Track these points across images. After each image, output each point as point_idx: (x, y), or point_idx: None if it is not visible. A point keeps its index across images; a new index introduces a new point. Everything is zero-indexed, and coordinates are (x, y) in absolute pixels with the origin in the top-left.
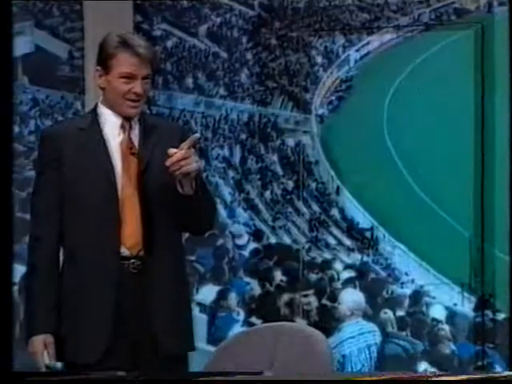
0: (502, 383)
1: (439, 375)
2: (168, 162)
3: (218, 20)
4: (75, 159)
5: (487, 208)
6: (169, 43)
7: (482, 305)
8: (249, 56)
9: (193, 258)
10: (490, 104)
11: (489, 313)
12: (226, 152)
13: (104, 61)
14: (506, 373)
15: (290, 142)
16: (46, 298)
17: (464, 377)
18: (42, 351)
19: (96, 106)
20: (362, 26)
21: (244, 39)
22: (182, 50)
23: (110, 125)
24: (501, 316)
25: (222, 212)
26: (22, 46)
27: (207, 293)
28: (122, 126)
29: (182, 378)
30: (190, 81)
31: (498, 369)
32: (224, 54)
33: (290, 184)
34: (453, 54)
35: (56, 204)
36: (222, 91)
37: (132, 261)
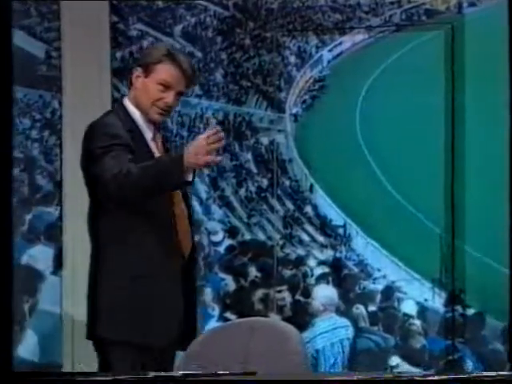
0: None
1: (426, 375)
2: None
3: (193, 20)
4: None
5: (458, 205)
6: (144, 43)
7: (453, 300)
8: (223, 56)
9: None
10: (460, 103)
11: (459, 308)
12: None
13: (147, 64)
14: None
15: (265, 140)
16: None
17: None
18: None
19: (122, 104)
20: (334, 27)
21: (219, 39)
22: None
23: (144, 128)
24: (471, 311)
25: (198, 209)
26: None
27: None
28: (154, 125)
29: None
30: None
31: (469, 363)
32: (199, 54)
33: (265, 182)
34: (424, 53)
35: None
36: (197, 90)
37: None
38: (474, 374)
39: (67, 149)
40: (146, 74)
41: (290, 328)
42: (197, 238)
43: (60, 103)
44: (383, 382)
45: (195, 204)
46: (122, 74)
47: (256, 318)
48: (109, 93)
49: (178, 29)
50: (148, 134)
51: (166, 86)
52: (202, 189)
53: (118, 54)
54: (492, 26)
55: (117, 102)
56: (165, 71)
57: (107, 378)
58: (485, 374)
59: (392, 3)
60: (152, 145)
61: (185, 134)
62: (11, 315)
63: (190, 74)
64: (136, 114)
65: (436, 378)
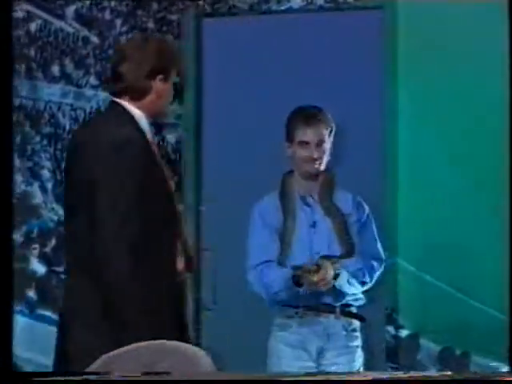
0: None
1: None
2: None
3: (88, 1)
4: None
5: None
6: (32, 26)
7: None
8: (123, 41)
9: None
10: (392, 91)
11: (391, 329)
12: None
13: (167, 68)
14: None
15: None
16: None
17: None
18: None
19: (124, 108)
20: (249, 9)
21: (118, 22)
22: (48, 34)
23: (148, 132)
24: (404, 332)
25: None
26: None
27: None
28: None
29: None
30: (56, 69)
31: None
32: (95, 39)
33: None
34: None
35: None
36: (92, 80)
37: None
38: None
39: None
40: (167, 77)
41: (197, 350)
42: None
43: None
44: (385, 382)
45: None
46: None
47: (161, 342)
48: None
49: (70, 10)
50: (150, 137)
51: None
52: None
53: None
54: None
55: (113, 106)
56: (178, 71)
57: (108, 378)
58: (484, 373)
59: None
60: (154, 148)
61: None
62: (11, 315)
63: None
64: (142, 119)
65: (436, 377)
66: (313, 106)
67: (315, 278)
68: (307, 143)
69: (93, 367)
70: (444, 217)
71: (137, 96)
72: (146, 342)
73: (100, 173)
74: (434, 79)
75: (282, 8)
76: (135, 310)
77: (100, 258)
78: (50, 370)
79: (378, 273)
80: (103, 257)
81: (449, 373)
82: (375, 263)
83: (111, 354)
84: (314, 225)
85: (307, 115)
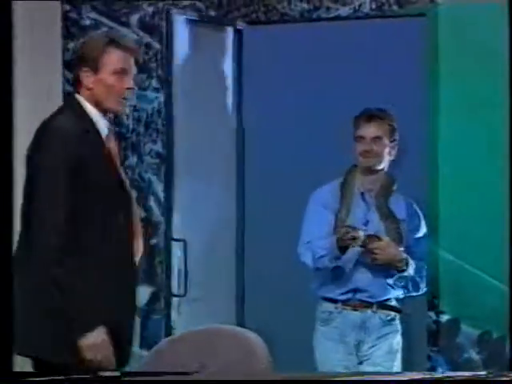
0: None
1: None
2: None
3: (151, 10)
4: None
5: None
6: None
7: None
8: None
9: None
10: (434, 95)
11: (432, 314)
12: (159, 147)
13: (93, 60)
14: None
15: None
16: None
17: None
18: None
19: (76, 99)
20: (300, 17)
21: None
22: None
23: (101, 125)
24: (445, 317)
25: (156, 210)
26: None
27: (140, 295)
28: (109, 127)
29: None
30: None
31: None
32: (157, 45)
33: None
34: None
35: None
36: (154, 83)
37: None
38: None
39: (18, 143)
40: (95, 70)
41: (253, 335)
42: (154, 241)
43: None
44: (388, 382)
45: (153, 205)
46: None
47: (217, 326)
48: (60, 85)
49: (134, 18)
50: (104, 131)
51: (122, 73)
52: (160, 188)
53: (70, 45)
54: (466, 15)
55: (69, 98)
56: (115, 59)
57: (108, 378)
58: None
59: None
60: (108, 142)
61: (142, 130)
62: (11, 315)
63: (138, 51)
64: (92, 111)
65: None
66: (377, 108)
67: (374, 245)
68: (363, 138)
69: (147, 355)
70: (482, 208)
71: (76, 88)
72: (203, 327)
73: (37, 156)
74: (473, 79)
75: (331, 15)
76: (81, 302)
77: (35, 245)
78: None
79: (424, 275)
80: (38, 244)
81: (449, 373)
82: (422, 268)
83: (167, 339)
84: (366, 223)
85: (366, 113)
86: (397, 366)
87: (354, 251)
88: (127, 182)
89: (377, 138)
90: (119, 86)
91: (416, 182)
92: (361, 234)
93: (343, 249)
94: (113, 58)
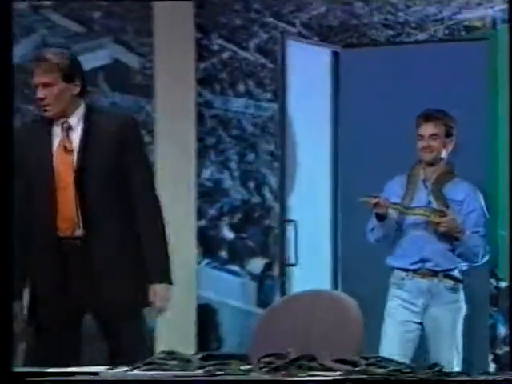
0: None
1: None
2: None
3: (265, 36)
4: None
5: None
6: (224, 55)
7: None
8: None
9: (245, 235)
10: (493, 105)
11: (493, 281)
12: (272, 147)
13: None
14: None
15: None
16: None
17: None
18: None
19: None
20: (386, 41)
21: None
22: (236, 61)
23: (57, 125)
24: (503, 284)
25: (269, 196)
26: (102, 58)
27: (256, 264)
28: (61, 127)
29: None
30: (241, 87)
31: (501, 329)
32: (270, 65)
33: None
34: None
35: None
36: (268, 96)
37: (69, 240)
38: (477, 376)
39: (159, 147)
40: (32, 81)
41: (350, 300)
42: (268, 221)
43: (153, 107)
44: (392, 382)
45: (267, 193)
46: (204, 82)
47: (319, 290)
48: (193, 98)
49: (252, 43)
50: (56, 135)
51: (36, 85)
52: (273, 179)
53: (202, 66)
54: None
55: None
56: (34, 75)
57: (108, 378)
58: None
59: (436, 20)
60: (56, 144)
61: (258, 133)
62: (11, 315)
63: (49, 61)
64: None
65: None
66: (435, 109)
67: (437, 219)
68: (422, 136)
69: (268, 308)
70: None
71: None
72: (307, 291)
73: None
74: None
75: (411, 40)
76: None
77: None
78: None
79: (482, 248)
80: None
81: (448, 373)
82: (481, 242)
83: (280, 299)
84: (429, 203)
85: (425, 114)
86: (458, 331)
87: (390, 220)
88: None
89: (434, 135)
90: (38, 98)
91: (478, 169)
92: (380, 199)
93: (380, 217)
94: (34, 74)
